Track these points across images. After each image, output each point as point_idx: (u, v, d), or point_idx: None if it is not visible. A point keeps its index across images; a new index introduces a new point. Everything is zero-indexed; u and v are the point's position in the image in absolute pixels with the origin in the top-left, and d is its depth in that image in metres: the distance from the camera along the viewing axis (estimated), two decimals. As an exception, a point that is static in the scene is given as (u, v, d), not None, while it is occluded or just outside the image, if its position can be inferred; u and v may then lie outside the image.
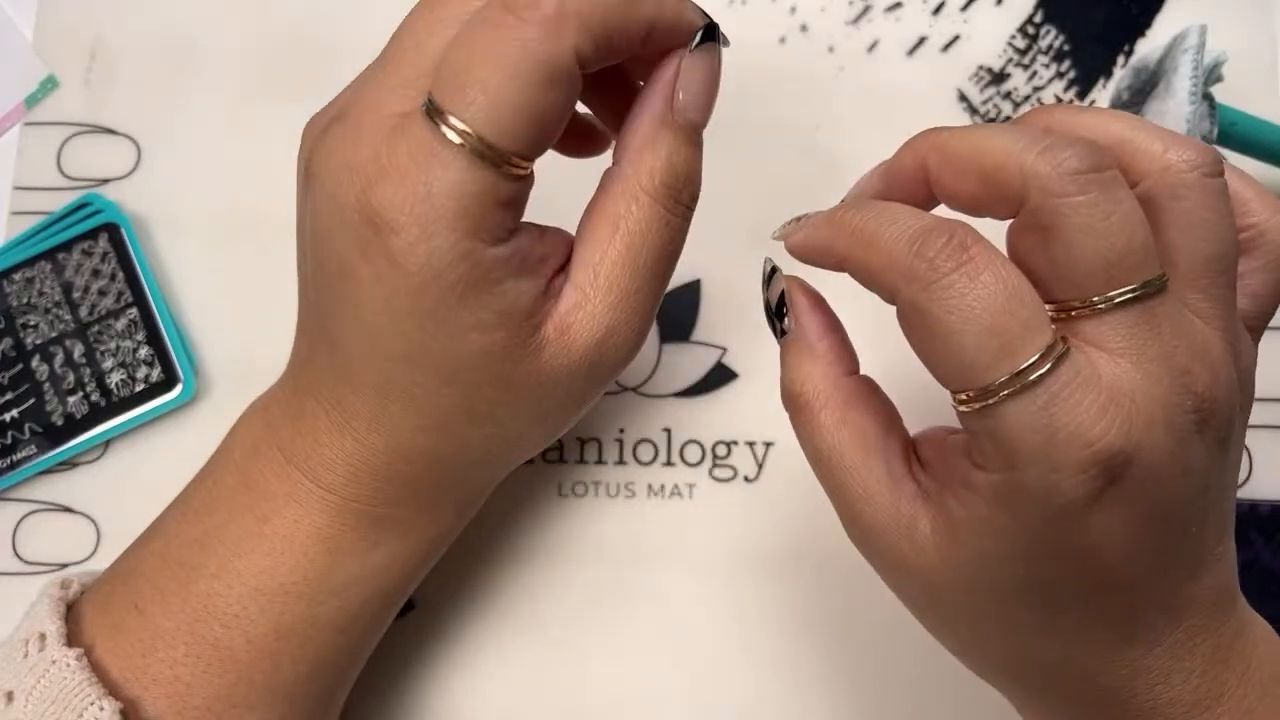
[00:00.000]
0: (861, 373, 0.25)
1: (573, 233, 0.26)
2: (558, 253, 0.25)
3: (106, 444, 0.35)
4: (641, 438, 0.36)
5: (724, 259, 0.36)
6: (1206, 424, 0.21)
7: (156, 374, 0.35)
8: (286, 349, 0.28)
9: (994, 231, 0.22)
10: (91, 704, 0.24)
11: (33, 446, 0.35)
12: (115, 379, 0.35)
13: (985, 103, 0.38)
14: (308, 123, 0.26)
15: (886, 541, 0.23)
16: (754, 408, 0.36)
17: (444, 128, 0.22)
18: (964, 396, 0.21)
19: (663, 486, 0.35)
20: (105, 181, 0.37)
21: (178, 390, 0.35)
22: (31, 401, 0.35)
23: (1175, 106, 0.32)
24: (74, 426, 0.35)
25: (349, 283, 0.24)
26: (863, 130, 0.38)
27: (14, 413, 0.35)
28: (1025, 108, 0.38)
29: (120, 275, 0.36)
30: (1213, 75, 0.34)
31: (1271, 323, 0.25)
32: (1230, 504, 0.23)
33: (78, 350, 0.35)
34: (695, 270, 0.36)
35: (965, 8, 0.39)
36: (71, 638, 0.26)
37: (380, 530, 0.26)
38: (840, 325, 0.25)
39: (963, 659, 0.25)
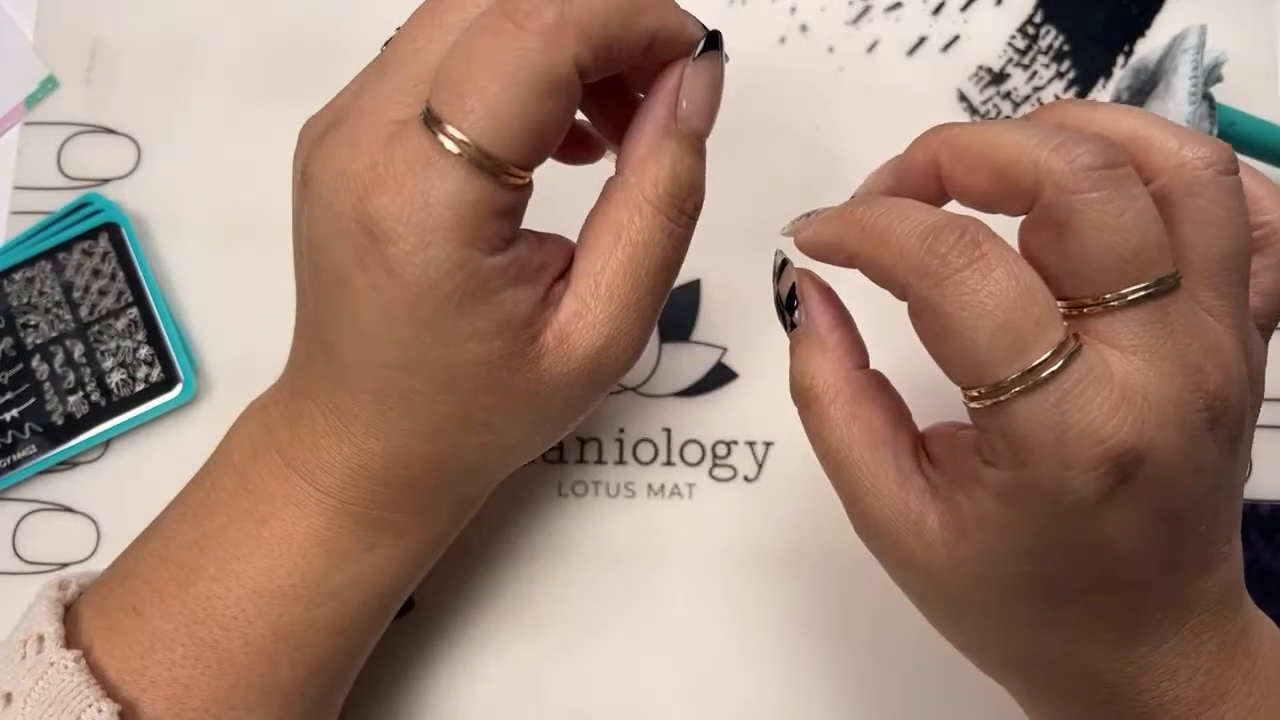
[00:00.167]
0: (871, 367, 0.25)
1: (573, 240, 0.26)
2: (557, 260, 0.25)
3: (107, 444, 0.35)
4: (641, 437, 0.36)
5: (724, 259, 0.36)
6: (1218, 422, 0.21)
7: (156, 374, 0.35)
8: (286, 349, 0.28)
9: (1005, 228, 0.22)
10: (90, 706, 0.24)
11: (33, 446, 0.35)
12: (115, 379, 0.35)
13: (985, 103, 0.38)
14: (304, 125, 0.26)
15: (894, 537, 0.23)
16: (754, 408, 0.36)
17: (442, 137, 0.22)
18: (975, 393, 0.21)
19: (663, 486, 0.35)
20: (105, 181, 0.37)
21: (178, 390, 0.35)
22: (32, 401, 0.35)
23: (1175, 106, 0.32)
24: (74, 426, 0.35)
25: (346, 291, 0.23)
26: (863, 130, 0.38)
27: (14, 412, 0.35)
28: (1025, 108, 0.38)
29: (120, 275, 0.35)
30: (1213, 75, 0.34)
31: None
32: (1238, 502, 0.23)
33: (78, 350, 0.35)
34: (695, 270, 0.36)
35: (965, 8, 0.39)
36: (70, 639, 0.26)
37: (377, 533, 0.26)
38: (851, 319, 0.25)
39: (968, 654, 0.25)
